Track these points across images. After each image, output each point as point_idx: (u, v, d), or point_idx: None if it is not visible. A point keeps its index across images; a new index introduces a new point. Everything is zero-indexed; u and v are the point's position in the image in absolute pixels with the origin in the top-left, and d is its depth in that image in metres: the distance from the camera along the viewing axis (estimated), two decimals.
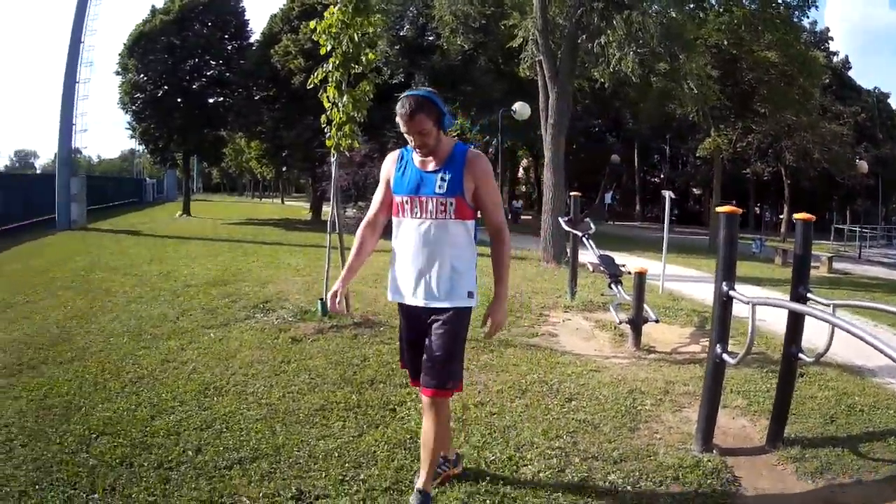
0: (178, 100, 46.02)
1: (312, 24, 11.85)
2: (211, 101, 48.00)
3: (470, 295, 5.15)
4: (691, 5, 26.89)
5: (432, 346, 5.10)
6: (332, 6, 11.66)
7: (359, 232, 5.47)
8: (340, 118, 11.75)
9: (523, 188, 76.40)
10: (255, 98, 47.01)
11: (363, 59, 11.68)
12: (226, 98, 47.97)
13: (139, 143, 56.89)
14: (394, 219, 5.29)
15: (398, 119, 5.02)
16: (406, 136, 5.05)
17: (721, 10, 32.24)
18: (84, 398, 7.77)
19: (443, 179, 5.03)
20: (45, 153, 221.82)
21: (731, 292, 5.96)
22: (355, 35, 11.47)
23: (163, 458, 6.05)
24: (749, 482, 5.74)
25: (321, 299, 11.83)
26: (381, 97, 38.36)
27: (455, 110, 43.12)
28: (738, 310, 6.45)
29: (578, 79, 25.29)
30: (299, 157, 44.65)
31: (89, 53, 39.34)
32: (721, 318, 6.20)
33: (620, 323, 10.79)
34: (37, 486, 5.61)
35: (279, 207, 72.31)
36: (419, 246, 5.08)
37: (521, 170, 76.49)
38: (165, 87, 46.11)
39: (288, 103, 42.53)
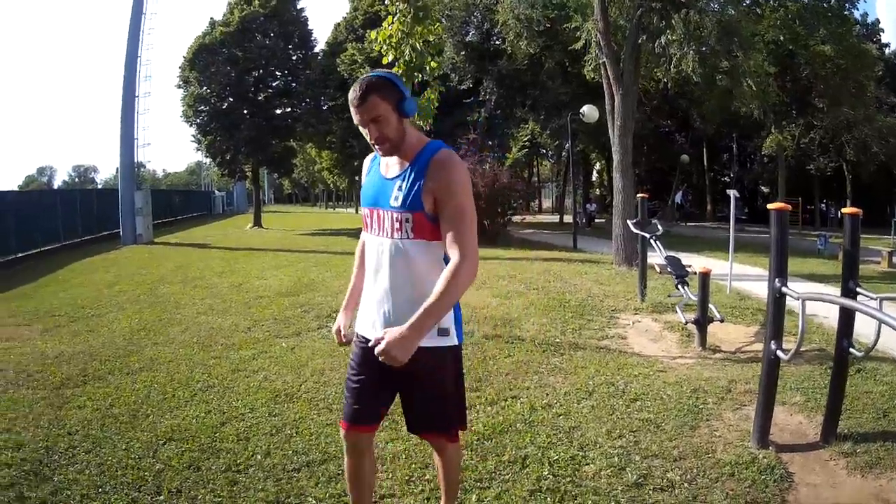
0: (245, 111, 46.30)
1: (373, 34, 12.02)
2: (278, 111, 47.98)
3: (442, 332, 4.21)
4: (747, 1, 26.86)
5: (414, 401, 4.48)
6: (390, 16, 11.85)
7: (357, 252, 4.81)
8: None
9: (597, 191, 76.13)
10: (324, 108, 47.26)
11: (427, 68, 11.81)
12: (293, 108, 48.00)
13: (205, 156, 56.87)
14: (362, 234, 4.56)
15: (351, 110, 4.08)
16: (362, 131, 4.10)
17: (776, 4, 32.10)
18: (152, 406, 7.98)
19: (399, 189, 4.11)
20: (106, 168, 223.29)
21: (784, 288, 6.04)
22: (417, 44, 11.61)
23: (231, 461, 6.26)
24: (801, 477, 5.82)
25: None
26: (450, 104, 38.34)
27: (525, 114, 43.06)
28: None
29: (642, 79, 25.21)
30: None
31: (147, 68, 39.50)
32: (775, 315, 6.29)
33: (686, 323, 10.85)
34: (100, 490, 5.81)
35: (352, 217, 71.69)
36: (378, 269, 4.26)
37: (594, 173, 76.32)
38: (230, 99, 46.44)
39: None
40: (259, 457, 6.32)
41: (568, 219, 47.25)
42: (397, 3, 11.64)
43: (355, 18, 47.20)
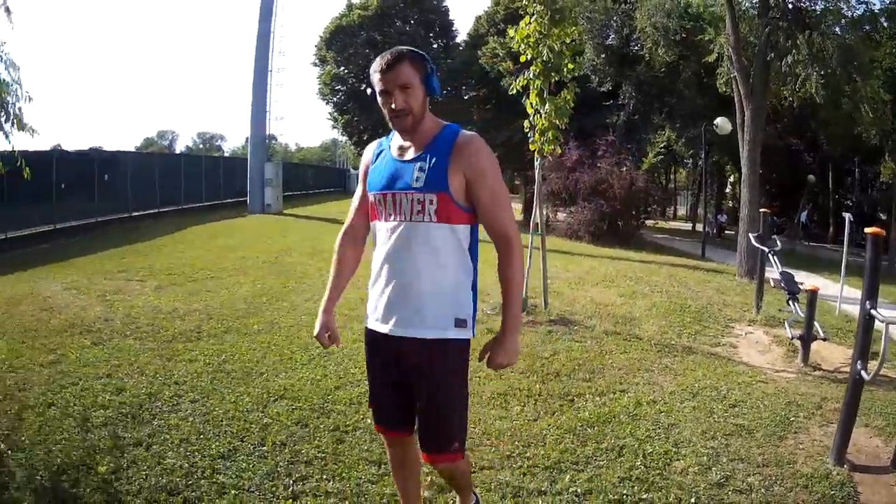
0: None
1: (511, 31, 12.29)
2: None
3: (460, 323, 3.94)
4: (866, 27, 26.48)
5: (421, 401, 4.07)
6: (527, 16, 12.04)
7: (336, 245, 4.49)
8: (543, 124, 12.07)
9: (729, 203, 75.25)
10: (465, 98, 47.48)
11: (564, 69, 11.94)
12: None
13: (342, 135, 58.07)
14: (371, 224, 4.18)
15: (373, 78, 3.91)
16: (382, 106, 3.93)
17: (893, 32, 31.50)
18: (266, 367, 8.41)
19: (421, 170, 3.85)
20: (234, 137, 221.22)
21: (872, 311, 6.16)
22: (554, 45, 11.77)
23: (340, 422, 6.62)
24: (867, 497, 5.91)
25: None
26: (591, 105, 38.45)
27: (662, 121, 42.67)
28: None
29: (772, 97, 25.02)
30: (511, 159, 43.73)
31: (280, 42, 40.35)
32: (863, 336, 6.38)
33: (792, 338, 10.96)
34: (201, 436, 6.21)
35: None
36: (392, 256, 3.95)
37: (728, 185, 75.50)
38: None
39: (498, 104, 42.91)
40: (369, 421, 6.45)
41: (700, 228, 47.09)
42: (535, 4, 11.88)
43: (496, 12, 46.99)
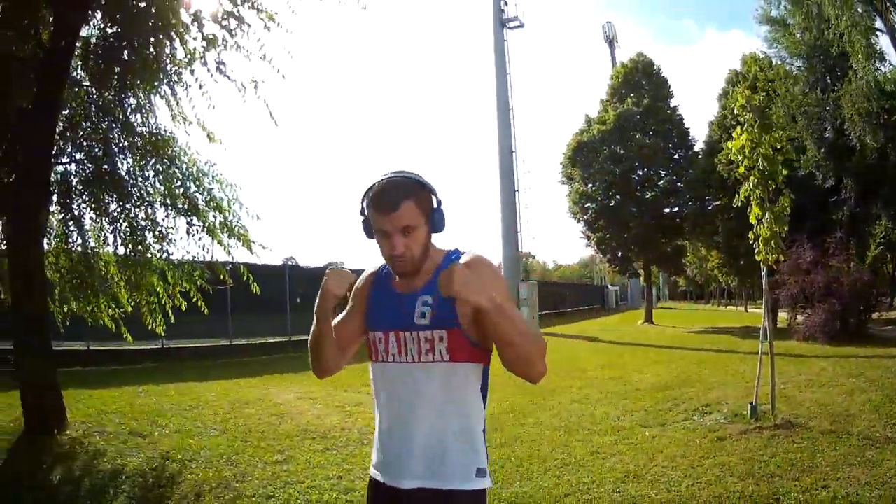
0: (633, 209, 46.28)
1: (729, 144, 12.54)
2: (666, 210, 47.83)
3: (480, 473, 3.32)
4: None
5: None
6: (739, 126, 12.12)
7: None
8: (765, 234, 11.99)
9: None
10: (709, 207, 46.61)
11: (779, 176, 11.91)
12: (681, 208, 47.59)
13: (596, 252, 57.64)
14: (370, 365, 3.50)
15: (373, 212, 3.26)
16: (379, 245, 3.33)
17: None
18: (504, 475, 8.77)
19: (426, 304, 3.25)
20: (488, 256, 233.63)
21: None
22: (768, 153, 11.78)
23: None
24: None
25: (751, 403, 12.10)
26: (817, 204, 37.14)
27: (879, 211, 41.31)
28: None
29: None
30: (754, 267, 42.84)
31: (525, 163, 41.16)
32: None
33: None
34: None
35: (741, 315, 69.12)
36: (399, 402, 3.35)
37: None
38: (617, 197, 46.80)
39: (738, 212, 41.65)
40: None
41: None
42: (745, 114, 12.04)
43: (725, 117, 46.19)
